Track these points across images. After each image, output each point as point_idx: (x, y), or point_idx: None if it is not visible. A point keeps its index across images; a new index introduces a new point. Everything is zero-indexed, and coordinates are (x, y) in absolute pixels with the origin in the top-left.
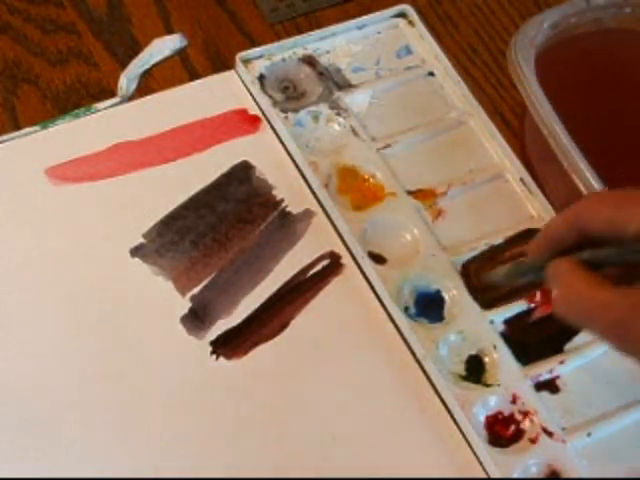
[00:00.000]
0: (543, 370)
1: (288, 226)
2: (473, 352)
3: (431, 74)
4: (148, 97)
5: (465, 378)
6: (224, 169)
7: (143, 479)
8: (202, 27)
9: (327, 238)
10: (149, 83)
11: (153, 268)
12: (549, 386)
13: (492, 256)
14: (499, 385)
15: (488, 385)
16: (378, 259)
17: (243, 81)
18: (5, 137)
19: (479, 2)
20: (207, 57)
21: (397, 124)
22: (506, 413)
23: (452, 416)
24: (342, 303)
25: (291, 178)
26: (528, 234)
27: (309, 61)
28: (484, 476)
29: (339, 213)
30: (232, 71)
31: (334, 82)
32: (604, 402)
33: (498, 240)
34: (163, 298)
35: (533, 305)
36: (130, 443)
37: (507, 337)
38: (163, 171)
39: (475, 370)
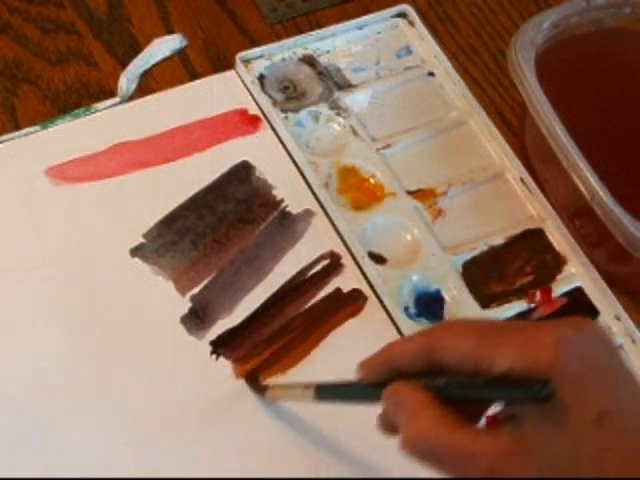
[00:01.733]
0: None
1: (288, 226)
2: None
3: (431, 74)
4: (148, 97)
5: None
6: (224, 169)
7: (143, 479)
8: (202, 27)
9: (327, 238)
10: (149, 83)
11: (153, 268)
12: None
13: (492, 256)
14: None
15: None
16: (378, 259)
17: (243, 81)
18: (5, 137)
19: (479, 2)
20: (207, 57)
21: (397, 124)
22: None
23: None
24: None
25: (291, 178)
26: (528, 234)
27: (309, 61)
28: None
29: (339, 213)
30: (232, 71)
31: (334, 82)
32: None
33: (498, 240)
34: (163, 298)
35: (533, 305)
36: (130, 442)
37: None
38: (163, 171)
39: None
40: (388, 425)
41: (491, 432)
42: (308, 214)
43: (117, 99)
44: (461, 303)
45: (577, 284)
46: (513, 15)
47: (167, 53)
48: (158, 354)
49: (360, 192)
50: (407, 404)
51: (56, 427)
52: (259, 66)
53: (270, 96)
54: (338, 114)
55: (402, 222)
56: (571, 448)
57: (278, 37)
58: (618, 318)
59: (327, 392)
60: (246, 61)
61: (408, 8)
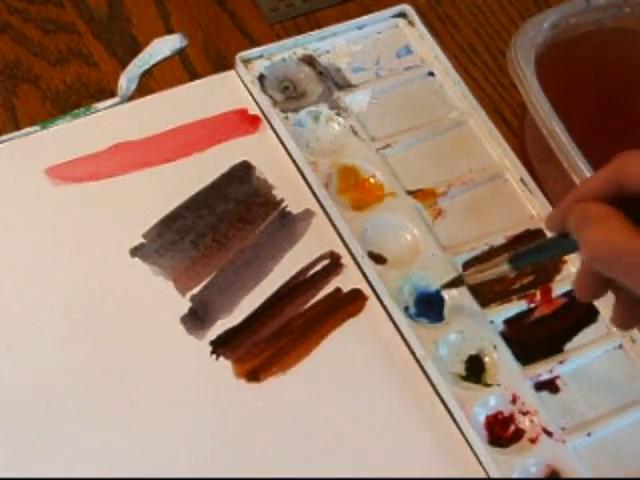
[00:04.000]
0: (543, 370)
1: (288, 226)
2: (473, 352)
3: (431, 74)
4: (148, 97)
5: (465, 378)
6: (224, 169)
7: (142, 479)
8: (202, 27)
9: (327, 238)
10: (149, 83)
11: (153, 268)
12: (549, 386)
13: (492, 256)
14: (499, 385)
15: (488, 385)
16: (378, 259)
17: (243, 81)
18: (5, 137)
19: (479, 2)
20: (207, 57)
21: (397, 124)
22: (506, 413)
23: (452, 416)
24: None
25: (291, 178)
26: (528, 235)
27: (309, 61)
28: (484, 476)
29: (339, 213)
30: (232, 71)
31: (334, 82)
32: (604, 402)
33: (498, 240)
34: (163, 298)
35: (533, 305)
36: (130, 443)
37: (507, 337)
38: (163, 171)
39: (475, 370)
40: (626, 318)
41: None
42: (308, 214)
43: (117, 99)
44: (461, 303)
45: None
46: (513, 15)
47: (167, 53)
48: (158, 354)
49: (360, 192)
50: (594, 213)
51: (55, 427)
52: (259, 66)
53: (270, 96)
54: (338, 114)
55: (402, 222)
56: None
57: (278, 37)
58: None
59: (521, 260)
60: (246, 61)
61: (408, 8)
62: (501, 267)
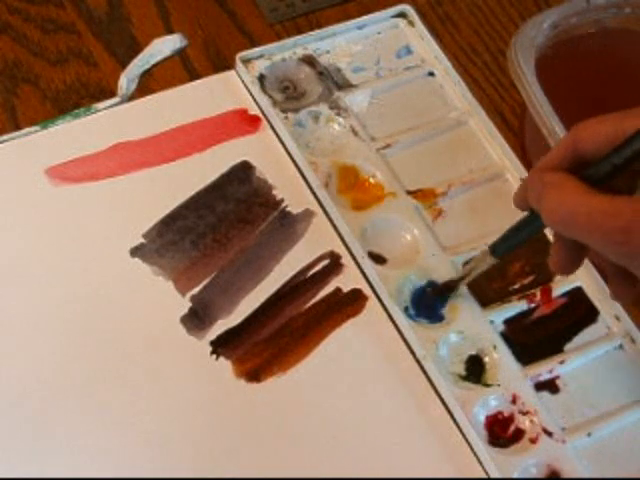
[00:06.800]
0: (543, 370)
1: (288, 226)
2: (473, 352)
3: (431, 74)
4: (148, 97)
5: (465, 378)
6: (224, 169)
7: (142, 479)
8: (202, 27)
9: (327, 238)
10: (149, 83)
11: (153, 268)
12: (549, 386)
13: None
14: (499, 385)
15: (488, 385)
16: (378, 259)
17: (243, 81)
18: (5, 137)
19: (479, 2)
20: (207, 57)
21: (397, 124)
22: (506, 413)
23: (452, 416)
24: None
25: (291, 178)
26: None
27: (309, 61)
28: (484, 476)
29: (339, 213)
30: (232, 71)
31: (334, 82)
32: (604, 402)
33: None
34: (163, 298)
35: (533, 305)
36: (129, 443)
37: (507, 337)
38: (163, 171)
39: (475, 370)
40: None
41: (626, 196)
42: (308, 214)
43: (117, 99)
44: (461, 303)
45: (577, 284)
46: (513, 15)
47: (167, 53)
48: (158, 354)
49: (360, 192)
50: (549, 180)
51: (55, 427)
52: (259, 66)
53: (270, 96)
54: (338, 114)
55: (402, 222)
56: None
57: (278, 37)
58: (618, 318)
59: (500, 247)
60: (246, 61)
61: (408, 8)
62: (485, 260)
